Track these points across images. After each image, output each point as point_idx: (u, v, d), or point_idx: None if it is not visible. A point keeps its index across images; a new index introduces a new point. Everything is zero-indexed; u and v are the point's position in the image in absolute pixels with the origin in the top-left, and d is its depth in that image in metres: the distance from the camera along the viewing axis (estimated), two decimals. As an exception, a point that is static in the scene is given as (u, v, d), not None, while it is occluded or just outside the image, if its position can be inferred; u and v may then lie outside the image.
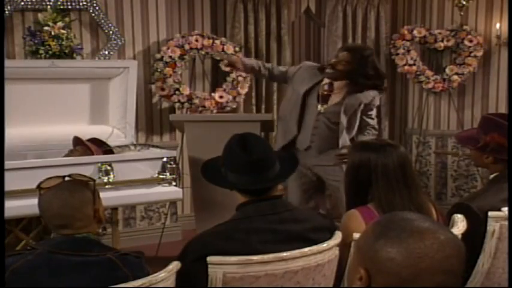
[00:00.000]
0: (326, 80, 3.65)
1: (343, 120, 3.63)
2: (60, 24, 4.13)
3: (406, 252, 1.14)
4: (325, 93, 3.65)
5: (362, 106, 3.68)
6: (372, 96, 3.70)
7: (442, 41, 5.17)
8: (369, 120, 3.75)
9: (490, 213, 2.29)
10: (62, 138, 3.78)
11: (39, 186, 1.97)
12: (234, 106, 4.85)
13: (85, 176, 2.05)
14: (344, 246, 2.11)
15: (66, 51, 4.14)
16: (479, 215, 2.31)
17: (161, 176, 3.63)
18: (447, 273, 1.14)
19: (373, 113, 3.80)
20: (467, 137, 2.71)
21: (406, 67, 5.21)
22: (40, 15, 4.18)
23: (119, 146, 3.90)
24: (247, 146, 2.05)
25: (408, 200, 2.19)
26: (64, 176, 2.00)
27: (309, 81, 3.68)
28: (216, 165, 2.18)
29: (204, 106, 4.66)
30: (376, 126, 3.85)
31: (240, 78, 4.73)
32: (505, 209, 2.31)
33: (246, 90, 4.83)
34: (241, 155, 2.04)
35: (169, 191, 3.66)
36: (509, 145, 2.45)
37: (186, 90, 4.63)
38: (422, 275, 1.13)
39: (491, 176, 2.57)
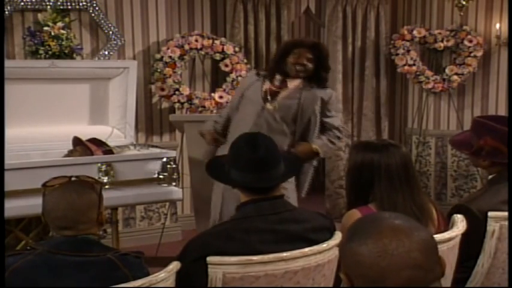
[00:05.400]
0: (276, 76, 3.29)
1: (311, 125, 3.28)
2: (60, 24, 4.13)
3: (367, 252, 1.16)
4: (274, 89, 3.27)
5: (319, 103, 3.30)
6: (330, 92, 3.37)
7: (442, 41, 5.17)
8: (334, 120, 3.36)
9: (490, 214, 2.29)
10: (62, 138, 3.78)
11: (44, 185, 1.97)
12: (234, 106, 4.86)
13: (92, 178, 2.04)
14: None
15: (66, 51, 4.14)
16: (478, 217, 2.31)
17: (161, 176, 3.63)
18: (413, 268, 1.15)
19: (339, 109, 3.47)
20: (461, 142, 2.71)
21: (406, 67, 5.21)
22: (40, 16, 4.19)
23: (118, 146, 3.90)
24: (254, 145, 2.06)
25: (410, 200, 2.19)
26: (70, 177, 1.99)
27: (252, 81, 3.35)
28: (220, 163, 2.20)
29: (204, 106, 4.66)
30: (344, 126, 3.54)
31: (239, 79, 4.73)
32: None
33: (246, 90, 4.83)
34: (246, 153, 2.05)
35: (169, 191, 3.66)
36: (509, 145, 2.45)
37: (186, 90, 4.63)
38: (388, 273, 1.15)
39: (490, 176, 2.57)
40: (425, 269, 1.16)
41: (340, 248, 1.27)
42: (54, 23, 4.13)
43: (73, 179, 1.99)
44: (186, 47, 4.62)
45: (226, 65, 4.74)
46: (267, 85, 3.31)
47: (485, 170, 2.62)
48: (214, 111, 4.67)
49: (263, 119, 3.26)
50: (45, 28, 4.10)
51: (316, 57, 3.26)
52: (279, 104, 3.25)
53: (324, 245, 2.01)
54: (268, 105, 3.25)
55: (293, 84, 3.29)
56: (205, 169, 2.25)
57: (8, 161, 3.24)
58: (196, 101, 4.64)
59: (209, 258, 1.88)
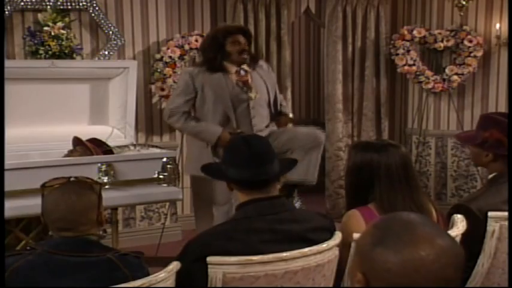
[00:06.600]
0: (233, 68, 3.55)
1: (275, 93, 3.69)
2: (60, 24, 4.13)
3: (401, 263, 1.13)
4: (246, 78, 3.56)
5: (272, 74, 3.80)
6: (264, 62, 3.84)
7: (442, 41, 5.17)
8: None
9: (490, 214, 2.29)
10: (62, 138, 3.77)
11: (43, 186, 1.97)
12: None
13: (91, 179, 2.04)
14: (344, 246, 2.11)
15: (66, 51, 4.14)
16: (479, 217, 2.31)
17: (161, 176, 3.63)
18: (444, 282, 1.14)
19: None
20: (467, 137, 2.74)
21: (406, 67, 5.21)
22: (40, 16, 4.18)
23: (118, 146, 3.90)
24: (249, 142, 2.11)
25: (410, 200, 2.19)
26: (69, 177, 1.99)
27: (220, 79, 3.54)
28: (217, 165, 2.31)
29: (204, 106, 4.66)
30: None
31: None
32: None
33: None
34: (241, 149, 2.10)
35: (169, 191, 3.66)
36: (509, 145, 2.45)
37: (186, 91, 4.63)
38: (418, 286, 1.13)
39: (490, 176, 2.57)
40: (455, 283, 1.16)
41: (359, 247, 1.22)
42: (54, 23, 4.13)
43: (72, 179, 1.99)
44: (186, 47, 4.62)
45: (226, 65, 4.74)
46: (231, 78, 3.53)
47: (486, 167, 2.62)
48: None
49: (256, 110, 3.55)
50: (45, 28, 4.10)
51: (248, 39, 3.58)
52: (257, 90, 3.55)
53: (324, 245, 2.02)
54: (252, 96, 3.53)
55: (246, 68, 3.58)
56: (201, 170, 2.30)
57: (8, 161, 3.24)
58: (196, 101, 4.64)
59: (209, 258, 1.88)
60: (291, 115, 3.78)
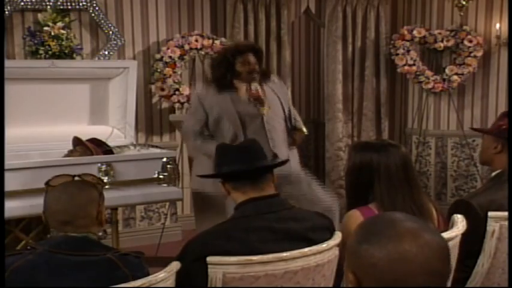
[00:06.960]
0: (243, 85, 3.48)
1: (289, 107, 3.65)
2: (60, 24, 4.13)
3: (385, 257, 1.15)
4: (257, 94, 3.50)
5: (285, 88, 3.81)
6: (276, 77, 3.82)
7: (442, 41, 5.17)
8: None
9: (490, 214, 2.29)
10: (62, 138, 3.77)
11: (47, 183, 1.98)
12: (234, 106, 4.85)
13: (95, 177, 2.06)
14: (344, 246, 2.11)
15: (66, 51, 4.14)
16: (479, 213, 2.31)
17: (161, 176, 3.63)
18: (430, 275, 1.15)
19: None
20: (484, 129, 2.80)
21: (406, 67, 5.21)
22: (40, 16, 4.19)
23: (118, 146, 3.90)
24: (240, 142, 2.19)
25: (410, 200, 2.19)
26: (74, 176, 2.01)
27: (226, 99, 3.46)
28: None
29: (204, 106, 4.65)
30: None
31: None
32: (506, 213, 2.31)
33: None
34: (231, 148, 2.22)
35: (169, 191, 3.66)
36: (509, 145, 2.46)
37: (186, 90, 4.63)
38: (404, 278, 1.15)
39: (493, 174, 2.58)
40: (442, 276, 1.17)
41: (348, 247, 1.24)
42: (54, 23, 4.13)
43: (76, 178, 2.01)
44: (186, 47, 4.62)
45: (226, 65, 4.73)
46: (242, 95, 3.46)
47: (491, 163, 2.61)
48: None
49: (270, 124, 3.47)
50: (45, 28, 4.10)
51: (258, 58, 3.51)
52: (269, 105, 3.48)
53: (324, 245, 2.02)
54: (263, 111, 3.45)
55: (256, 86, 3.52)
56: (197, 176, 2.37)
57: (8, 161, 3.24)
58: (196, 101, 4.63)
59: (209, 258, 1.88)
60: (304, 130, 3.72)
